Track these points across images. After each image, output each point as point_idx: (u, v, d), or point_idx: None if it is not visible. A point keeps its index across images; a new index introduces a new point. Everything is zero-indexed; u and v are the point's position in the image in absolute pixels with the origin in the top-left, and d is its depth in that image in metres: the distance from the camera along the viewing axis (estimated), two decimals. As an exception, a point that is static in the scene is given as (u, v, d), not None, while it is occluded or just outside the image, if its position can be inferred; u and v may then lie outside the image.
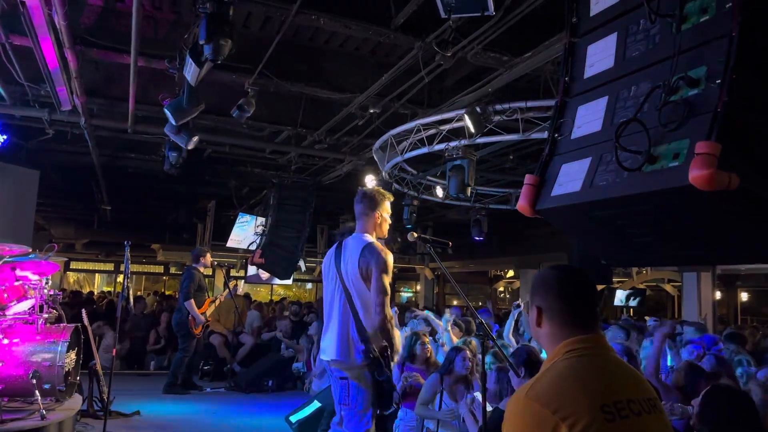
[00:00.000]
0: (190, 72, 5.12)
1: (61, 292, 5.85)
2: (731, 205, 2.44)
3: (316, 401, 6.31)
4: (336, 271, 3.70)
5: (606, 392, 1.50)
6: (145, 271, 22.73)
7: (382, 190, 3.89)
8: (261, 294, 21.61)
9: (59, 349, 5.04)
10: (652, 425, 1.53)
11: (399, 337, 3.80)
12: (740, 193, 2.35)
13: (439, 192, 10.07)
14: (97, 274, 23.21)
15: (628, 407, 1.49)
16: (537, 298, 1.71)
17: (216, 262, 10.13)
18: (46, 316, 5.28)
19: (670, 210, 2.65)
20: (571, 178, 3.11)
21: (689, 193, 2.39)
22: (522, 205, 3.35)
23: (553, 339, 1.66)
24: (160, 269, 21.99)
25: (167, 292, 18.31)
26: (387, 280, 3.53)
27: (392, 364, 3.72)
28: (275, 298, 20.22)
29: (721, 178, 2.28)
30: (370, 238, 3.70)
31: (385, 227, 3.85)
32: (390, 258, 3.60)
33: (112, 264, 20.56)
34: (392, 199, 3.93)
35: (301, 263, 13.20)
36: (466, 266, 21.06)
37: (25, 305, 5.19)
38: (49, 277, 5.48)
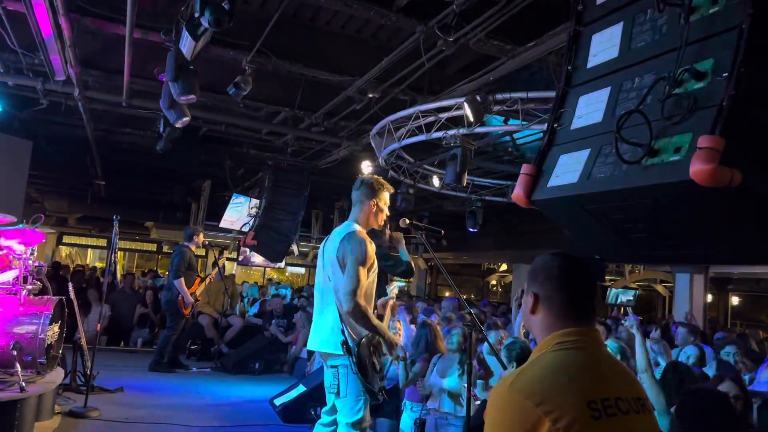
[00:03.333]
0: (186, 45, 5.02)
1: (45, 264, 5.75)
2: (732, 204, 2.37)
3: (301, 385, 6.29)
4: (322, 261, 3.65)
5: (594, 388, 1.43)
6: (138, 248, 22.65)
7: (382, 180, 3.81)
8: (254, 277, 21.55)
9: (41, 321, 4.95)
10: (640, 425, 1.47)
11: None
12: (742, 191, 2.28)
13: (436, 182, 10.00)
14: (89, 250, 23.11)
15: (616, 405, 1.42)
16: (535, 284, 1.63)
17: (208, 242, 10.05)
18: (29, 287, 5.19)
19: (669, 205, 2.59)
20: (568, 169, 3.04)
21: (689, 189, 2.32)
22: (517, 194, 3.28)
23: (546, 329, 1.59)
24: (153, 247, 21.90)
25: (160, 271, 18.25)
26: (362, 270, 3.41)
27: (382, 355, 3.63)
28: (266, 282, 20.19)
29: (723, 174, 2.21)
30: (357, 227, 3.62)
31: (381, 218, 3.76)
32: (371, 248, 3.50)
33: (105, 240, 20.46)
34: (392, 191, 3.84)
35: (294, 247, 13.13)
36: (460, 258, 21.04)
37: (8, 275, 5.10)
38: (35, 248, 5.39)
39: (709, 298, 15.81)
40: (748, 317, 20.03)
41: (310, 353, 7.42)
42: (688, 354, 5.05)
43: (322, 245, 3.75)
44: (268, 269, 22.83)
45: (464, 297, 21.58)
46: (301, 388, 6.20)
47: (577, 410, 1.37)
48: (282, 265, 18.32)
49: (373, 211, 3.70)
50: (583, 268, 1.63)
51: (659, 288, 18.28)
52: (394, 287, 3.89)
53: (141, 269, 20.12)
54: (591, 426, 1.37)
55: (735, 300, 20.39)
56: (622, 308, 17.73)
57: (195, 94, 5.63)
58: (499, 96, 6.05)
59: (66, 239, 21.23)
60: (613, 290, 17.30)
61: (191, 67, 5.25)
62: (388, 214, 3.80)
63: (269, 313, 10.13)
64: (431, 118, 7.03)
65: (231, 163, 11.87)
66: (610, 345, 3.85)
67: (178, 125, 6.62)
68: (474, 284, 25.43)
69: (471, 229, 11.24)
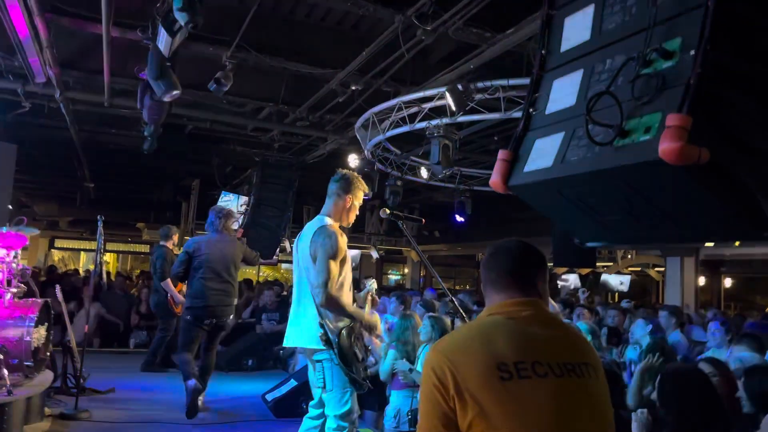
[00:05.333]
0: (163, 42, 4.99)
1: (30, 267, 5.73)
2: (702, 181, 2.37)
3: (293, 380, 6.29)
4: (298, 256, 3.65)
5: (509, 352, 1.52)
6: (131, 250, 22.59)
7: (360, 178, 3.81)
8: (248, 274, 21.51)
9: (27, 324, 4.94)
10: (562, 389, 1.52)
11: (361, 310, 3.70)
12: (711, 168, 2.29)
13: (424, 173, 9.99)
14: (82, 253, 23.03)
15: (531, 369, 1.50)
16: (481, 267, 1.83)
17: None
18: (14, 290, 5.17)
19: (641, 186, 2.59)
20: (543, 153, 3.04)
21: (659, 168, 2.33)
22: (494, 180, 3.28)
23: (489, 303, 1.73)
24: (146, 248, 21.83)
25: (152, 272, 18.20)
26: (332, 263, 3.42)
27: (363, 338, 3.66)
28: (261, 278, 20.16)
29: (690, 152, 2.21)
30: (329, 220, 3.62)
31: (352, 216, 3.77)
32: (342, 241, 3.50)
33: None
34: (367, 191, 3.85)
35: (286, 244, 13.11)
36: (454, 249, 21.06)
37: (-9, 279, 5.08)
38: (19, 251, 5.36)
39: (702, 281, 15.91)
40: (741, 299, 20.15)
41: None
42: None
43: (296, 241, 3.75)
44: (263, 267, 22.82)
45: (458, 288, 21.63)
46: (292, 383, 6.21)
47: (483, 370, 1.48)
48: (275, 261, 18.28)
49: (347, 206, 3.70)
50: (511, 247, 1.77)
51: (652, 273, 18.36)
52: (373, 281, 3.89)
53: (134, 271, 20.08)
54: (498, 385, 1.47)
55: (728, 282, 20.51)
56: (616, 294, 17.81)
57: (178, 90, 5.58)
58: (480, 84, 6.04)
59: (58, 243, 21.15)
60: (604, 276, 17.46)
61: (168, 64, 5.21)
62: (357, 213, 3.81)
63: (261, 309, 10.09)
64: (415, 109, 7.02)
65: (218, 160, 11.83)
66: (581, 326, 3.90)
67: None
68: (469, 275, 25.49)
69: (459, 220, 11.25)
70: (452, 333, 1.75)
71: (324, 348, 3.43)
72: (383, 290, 12.01)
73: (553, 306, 5.85)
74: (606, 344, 5.16)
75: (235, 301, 6.03)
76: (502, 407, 1.45)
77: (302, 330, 3.57)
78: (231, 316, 6.06)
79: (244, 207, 11.68)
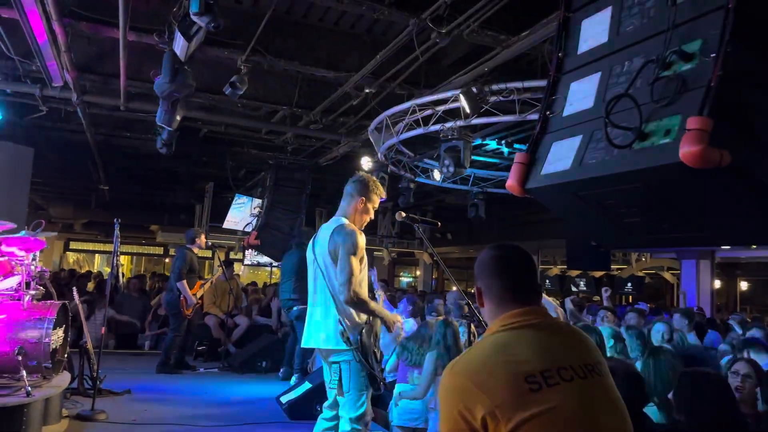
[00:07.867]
0: (180, 46, 5.03)
1: (48, 270, 5.78)
2: (723, 184, 2.35)
3: (307, 382, 6.30)
4: (314, 256, 3.65)
5: (532, 363, 1.51)
6: (145, 252, 22.74)
7: (378, 183, 3.82)
8: (261, 277, 21.56)
9: (45, 326, 4.97)
10: (588, 390, 1.53)
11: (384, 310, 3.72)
12: (732, 170, 2.27)
13: (437, 175, 9.97)
14: (97, 255, 23.22)
15: (558, 375, 1.50)
16: (477, 278, 1.78)
17: (211, 243, 10.06)
18: (33, 292, 5.21)
19: (661, 188, 2.58)
20: (561, 156, 3.03)
21: (680, 171, 2.31)
22: (511, 184, 3.28)
23: (493, 315, 1.71)
24: (159, 251, 21.98)
25: (167, 273, 18.32)
26: (354, 260, 3.44)
27: (379, 340, 3.67)
28: (275, 281, 20.19)
29: (712, 154, 2.20)
30: (345, 220, 3.63)
31: (366, 219, 3.77)
32: (361, 239, 3.52)
33: (112, 244, 20.50)
34: (384, 197, 3.86)
35: (299, 246, 13.15)
36: (466, 252, 21.01)
37: (11, 281, 5.12)
38: (37, 253, 5.41)
39: (717, 284, 15.74)
40: (757, 302, 19.92)
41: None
42: (657, 330, 5.02)
43: (310, 243, 3.76)
44: (275, 269, 22.84)
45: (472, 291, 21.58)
46: (306, 385, 6.21)
47: (512, 385, 1.47)
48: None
49: (360, 207, 3.69)
50: (514, 253, 1.77)
51: (667, 275, 18.19)
52: (382, 293, 3.91)
53: (148, 272, 20.22)
54: (530, 397, 1.46)
55: (743, 285, 20.28)
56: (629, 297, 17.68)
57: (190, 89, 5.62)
58: (495, 86, 6.02)
59: (73, 245, 21.34)
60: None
61: (186, 68, 5.26)
62: (372, 218, 3.81)
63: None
64: (428, 112, 7.01)
65: (232, 163, 11.90)
66: (604, 331, 3.88)
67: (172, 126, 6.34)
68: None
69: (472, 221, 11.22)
70: (469, 352, 1.64)
71: (342, 349, 3.44)
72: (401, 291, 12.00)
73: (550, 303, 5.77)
74: None
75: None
76: (536, 418, 1.44)
77: (320, 330, 3.57)
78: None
79: (257, 209, 11.72)
